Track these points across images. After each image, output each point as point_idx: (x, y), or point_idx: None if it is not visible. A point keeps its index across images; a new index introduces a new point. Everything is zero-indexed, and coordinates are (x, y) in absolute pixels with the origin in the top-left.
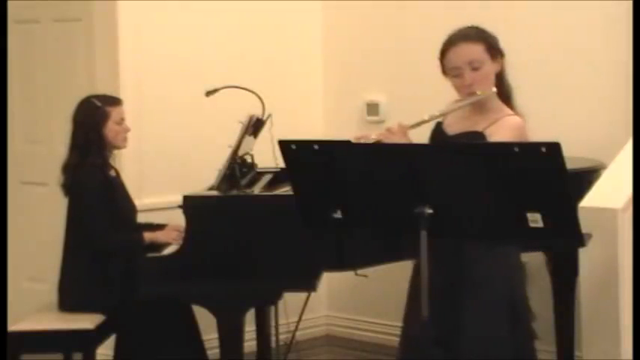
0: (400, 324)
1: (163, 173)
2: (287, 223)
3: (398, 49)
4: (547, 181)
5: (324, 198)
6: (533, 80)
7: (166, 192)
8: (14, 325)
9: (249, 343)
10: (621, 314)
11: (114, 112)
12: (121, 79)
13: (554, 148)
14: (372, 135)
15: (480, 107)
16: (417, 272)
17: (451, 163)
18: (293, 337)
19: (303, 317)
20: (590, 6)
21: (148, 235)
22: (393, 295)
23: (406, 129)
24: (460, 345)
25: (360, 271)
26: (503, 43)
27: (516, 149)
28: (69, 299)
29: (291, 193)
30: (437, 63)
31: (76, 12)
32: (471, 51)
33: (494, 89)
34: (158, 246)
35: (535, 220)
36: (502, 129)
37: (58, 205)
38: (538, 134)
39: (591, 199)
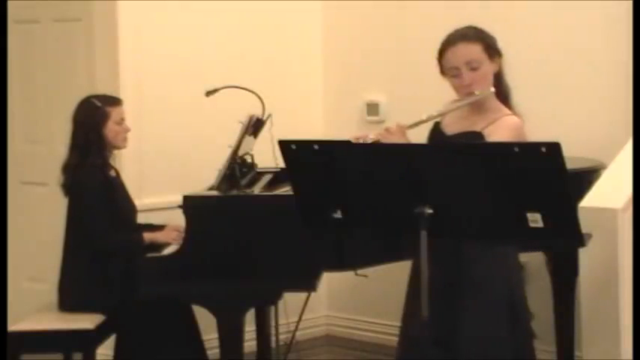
0: (400, 324)
1: (163, 173)
2: (287, 223)
3: (398, 49)
4: (547, 181)
5: (324, 198)
6: (533, 80)
7: (166, 192)
8: (14, 325)
9: (249, 343)
10: (621, 314)
11: (114, 112)
12: (121, 79)
13: (554, 148)
14: (370, 135)
15: (478, 107)
16: (415, 272)
17: (451, 163)
18: (293, 337)
19: (303, 317)
20: (590, 6)
21: (147, 236)
22: (393, 295)
23: (404, 129)
24: (459, 345)
25: (360, 271)
26: (503, 43)
27: (516, 149)
28: (69, 299)
29: (291, 193)
30: (437, 63)
31: (76, 12)
32: (469, 51)
33: (493, 89)
34: (158, 246)
35: (535, 220)
36: (500, 129)
37: (58, 205)
38: (538, 134)
39: (591, 199)
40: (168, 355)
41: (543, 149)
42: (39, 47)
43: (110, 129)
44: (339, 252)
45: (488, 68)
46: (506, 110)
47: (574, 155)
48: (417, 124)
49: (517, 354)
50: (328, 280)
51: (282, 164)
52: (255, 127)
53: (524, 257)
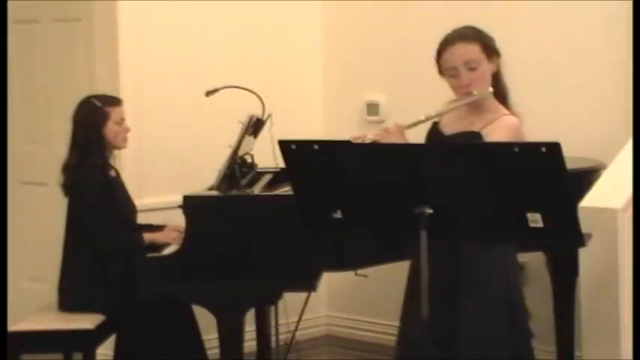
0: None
1: (163, 173)
2: (287, 223)
3: (398, 49)
4: (547, 181)
5: (324, 198)
6: (533, 80)
7: (166, 192)
8: (14, 325)
9: (249, 343)
10: (621, 314)
11: (114, 113)
12: (121, 79)
13: (554, 148)
14: (368, 135)
15: (476, 107)
16: (413, 272)
17: (451, 164)
18: (293, 337)
19: (303, 317)
20: (590, 6)
21: (147, 236)
22: (393, 295)
23: (403, 129)
24: (458, 345)
25: (360, 271)
26: (503, 43)
27: (516, 149)
28: (69, 299)
29: (291, 193)
30: (435, 63)
31: (76, 12)
32: (467, 51)
33: (491, 89)
34: (158, 246)
35: (535, 220)
36: (498, 129)
37: (58, 205)
38: (538, 134)
39: (591, 199)
40: (168, 355)
41: (543, 149)
42: (39, 47)
43: (110, 129)
44: (339, 252)
45: (486, 68)
46: (504, 110)
47: (574, 155)
48: (415, 124)
49: (515, 354)
50: (328, 280)
51: (282, 164)
52: (255, 127)
53: (524, 257)
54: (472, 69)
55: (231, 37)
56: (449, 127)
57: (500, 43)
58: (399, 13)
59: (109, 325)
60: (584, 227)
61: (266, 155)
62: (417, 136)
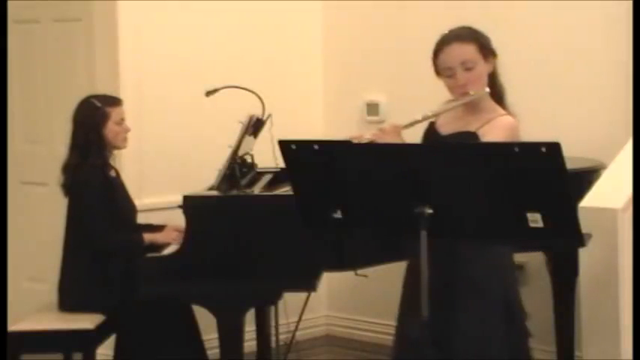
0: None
1: (163, 173)
2: (287, 223)
3: (398, 49)
4: (547, 181)
5: (324, 198)
6: (533, 80)
7: (166, 192)
8: (14, 325)
9: (249, 343)
10: (621, 314)
11: (114, 113)
12: (121, 79)
13: (554, 148)
14: (365, 135)
15: (472, 107)
16: (410, 272)
17: (451, 164)
18: (293, 337)
19: (303, 317)
20: (590, 6)
21: (147, 236)
22: (393, 295)
23: (399, 129)
24: (456, 345)
25: (360, 271)
26: (503, 43)
27: (516, 149)
28: (69, 299)
29: (291, 193)
30: (432, 63)
31: (76, 12)
32: (463, 51)
33: (487, 89)
34: (158, 246)
35: (535, 220)
36: (495, 129)
37: (58, 205)
38: (538, 134)
39: (591, 199)
40: (168, 355)
41: (543, 149)
42: (39, 47)
43: (110, 129)
44: (339, 252)
45: (482, 68)
46: (500, 110)
47: (574, 155)
48: (411, 124)
49: (513, 354)
50: (328, 280)
51: (282, 164)
52: (255, 127)
53: (524, 257)
54: (468, 69)
55: (231, 37)
56: (445, 127)
57: (500, 43)
58: (399, 13)
59: (109, 325)
60: (584, 227)
61: (266, 155)
62: (414, 136)
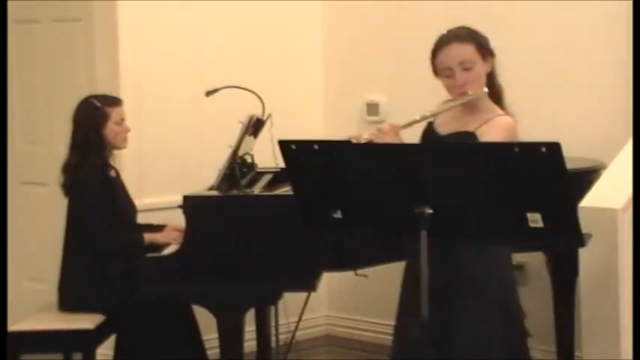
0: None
1: (163, 173)
2: (287, 223)
3: (398, 49)
4: (547, 181)
5: (324, 198)
6: (533, 80)
7: (166, 192)
8: (14, 325)
9: (249, 343)
10: (621, 314)
11: (114, 113)
12: (121, 79)
13: (554, 148)
14: (363, 135)
15: (471, 107)
16: (409, 272)
17: (451, 164)
18: (293, 337)
19: (303, 317)
20: (590, 6)
21: (147, 236)
22: (393, 295)
23: (398, 129)
24: (455, 345)
25: (360, 271)
26: (503, 43)
27: (516, 149)
28: (69, 299)
29: (291, 193)
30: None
31: (76, 12)
32: (462, 51)
33: (486, 89)
34: (158, 246)
35: (535, 220)
36: (493, 129)
37: (58, 205)
38: (538, 134)
39: (591, 199)
40: (168, 355)
41: (543, 149)
42: (39, 47)
43: (110, 129)
44: (339, 252)
45: (481, 68)
46: (499, 110)
47: (574, 155)
48: (410, 124)
49: (512, 353)
50: (328, 280)
51: (282, 164)
52: (255, 127)
53: (524, 257)
54: (467, 69)
55: (231, 37)
56: (444, 127)
57: (500, 43)
58: (399, 13)
59: (109, 325)
60: (584, 227)
61: (266, 155)
62: (412, 136)
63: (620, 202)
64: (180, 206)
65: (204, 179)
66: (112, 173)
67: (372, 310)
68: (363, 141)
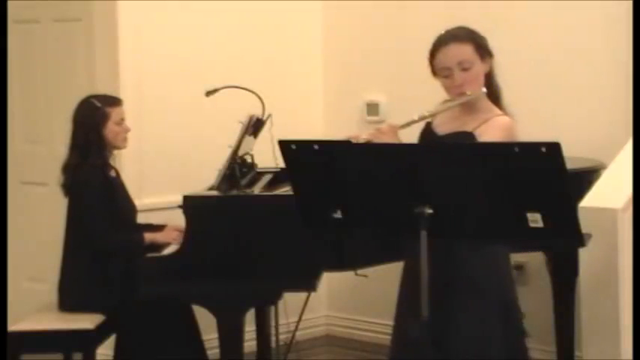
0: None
1: (163, 173)
2: (287, 223)
3: (398, 49)
4: (547, 181)
5: (324, 198)
6: (534, 80)
7: (166, 192)
8: (14, 325)
9: (249, 343)
10: (621, 314)
11: (114, 113)
12: (121, 79)
13: (554, 148)
14: (362, 135)
15: (469, 107)
16: (408, 272)
17: (451, 164)
18: (293, 337)
19: (303, 317)
20: (590, 6)
21: (147, 236)
22: (393, 295)
23: (396, 129)
24: (454, 345)
25: (360, 271)
26: (503, 43)
27: (516, 149)
28: (69, 299)
29: (291, 193)
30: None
31: (76, 12)
32: (460, 51)
33: (484, 89)
34: (158, 246)
35: (535, 220)
36: (492, 129)
37: (58, 205)
38: (538, 134)
39: (591, 199)
40: (168, 355)
41: (543, 149)
42: (39, 47)
43: (110, 129)
44: (339, 252)
45: (479, 69)
46: (497, 110)
47: (574, 155)
48: (408, 124)
49: (510, 353)
50: (328, 280)
51: (282, 164)
52: (255, 127)
53: (524, 257)
54: (465, 69)
55: (231, 37)
56: (442, 128)
57: (500, 44)
58: (399, 13)
59: (109, 325)
60: (584, 227)
61: (266, 155)
62: (411, 136)
63: (620, 202)
64: (180, 206)
65: (204, 179)
66: (112, 173)
67: (372, 310)
68: (361, 141)
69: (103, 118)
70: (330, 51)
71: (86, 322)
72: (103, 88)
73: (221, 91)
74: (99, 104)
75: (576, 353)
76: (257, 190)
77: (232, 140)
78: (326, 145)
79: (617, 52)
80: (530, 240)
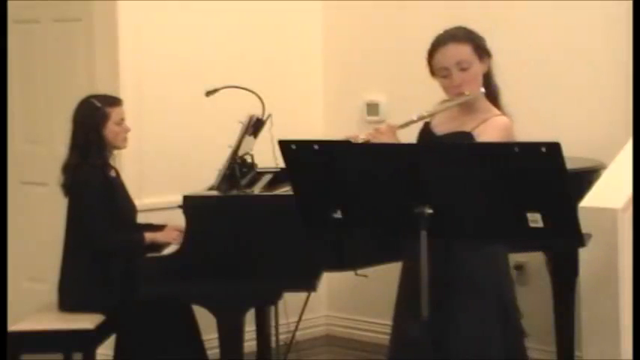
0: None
1: (163, 173)
2: (287, 223)
3: (398, 49)
4: (547, 181)
5: (324, 198)
6: (534, 80)
7: (166, 192)
8: (14, 325)
9: (249, 343)
10: (621, 314)
11: (114, 113)
12: (121, 79)
13: (554, 148)
14: (360, 135)
15: (468, 107)
16: (406, 272)
17: (451, 164)
18: (293, 337)
19: (303, 317)
20: (590, 6)
21: (148, 235)
22: (393, 295)
23: (395, 129)
24: (453, 345)
25: (360, 271)
26: (503, 43)
27: (516, 149)
28: (69, 299)
29: (291, 193)
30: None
31: (76, 12)
32: (459, 51)
33: (483, 89)
34: (158, 246)
35: (535, 220)
36: (490, 129)
37: (58, 205)
38: (538, 134)
39: (591, 199)
40: (168, 355)
41: (543, 149)
42: (39, 47)
43: (110, 129)
44: (339, 252)
45: (477, 69)
46: (495, 111)
47: (574, 155)
48: (407, 124)
49: (509, 353)
50: (328, 280)
51: (282, 164)
52: (255, 127)
53: (524, 257)
54: (464, 69)
55: (231, 37)
56: (440, 128)
57: (500, 44)
58: (399, 13)
59: (109, 325)
60: (584, 227)
61: (266, 155)
62: (409, 136)
63: (620, 202)
64: (180, 206)
65: (204, 179)
66: (112, 173)
67: (372, 310)
68: (359, 141)
69: (103, 118)
70: (330, 51)
71: (86, 322)
72: (103, 88)
73: (221, 91)
74: (99, 104)
75: (576, 353)
76: (257, 190)
77: (232, 140)
78: (326, 145)
79: (617, 52)
80: (530, 240)
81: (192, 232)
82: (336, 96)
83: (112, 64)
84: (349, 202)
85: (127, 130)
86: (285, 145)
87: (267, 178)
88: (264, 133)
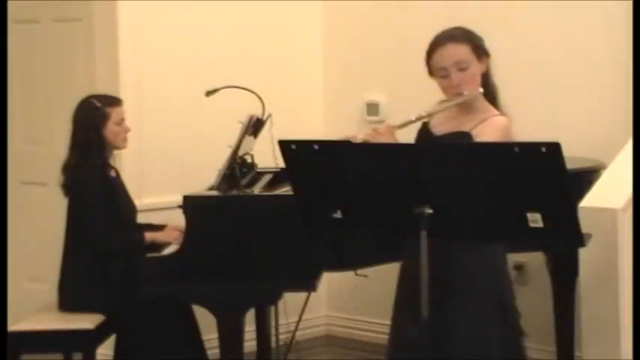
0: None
1: (163, 173)
2: (287, 223)
3: (398, 49)
4: (547, 181)
5: (324, 198)
6: (534, 80)
7: (166, 192)
8: (14, 325)
9: (249, 343)
10: (621, 314)
11: (114, 113)
12: (121, 79)
13: (554, 148)
14: (359, 135)
15: (466, 108)
16: (405, 273)
17: (451, 164)
18: (293, 337)
19: (303, 317)
20: (590, 6)
21: (148, 235)
22: (392, 295)
23: (393, 129)
24: (452, 345)
25: (360, 271)
26: (503, 43)
27: (516, 149)
28: (69, 299)
29: (291, 193)
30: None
31: (76, 12)
32: (457, 52)
33: (481, 90)
34: (158, 246)
35: (535, 220)
36: (489, 129)
37: (58, 205)
38: (538, 134)
39: (591, 199)
40: (168, 355)
41: (543, 149)
42: (39, 47)
43: (110, 129)
44: (339, 252)
45: (476, 69)
46: (494, 110)
47: (574, 155)
48: (405, 125)
49: (508, 353)
50: (328, 280)
51: (282, 164)
52: (255, 127)
53: (524, 257)
54: (462, 69)
55: (231, 37)
56: (439, 128)
57: (499, 44)
58: (399, 13)
59: (109, 325)
60: (584, 227)
61: (266, 155)
62: (408, 136)
63: (620, 202)
64: (180, 206)
65: (204, 179)
66: (112, 173)
67: (372, 310)
68: (358, 141)
69: (103, 118)
70: (330, 51)
71: (86, 322)
72: (103, 88)
73: (221, 91)
74: (99, 104)
75: (576, 353)
76: (257, 190)
77: (232, 140)
78: (326, 145)
79: (617, 52)
80: (530, 240)
81: (192, 232)
82: (336, 96)
83: (112, 64)
84: (349, 202)
85: (127, 130)
86: (285, 145)
87: (267, 178)
88: (264, 133)
